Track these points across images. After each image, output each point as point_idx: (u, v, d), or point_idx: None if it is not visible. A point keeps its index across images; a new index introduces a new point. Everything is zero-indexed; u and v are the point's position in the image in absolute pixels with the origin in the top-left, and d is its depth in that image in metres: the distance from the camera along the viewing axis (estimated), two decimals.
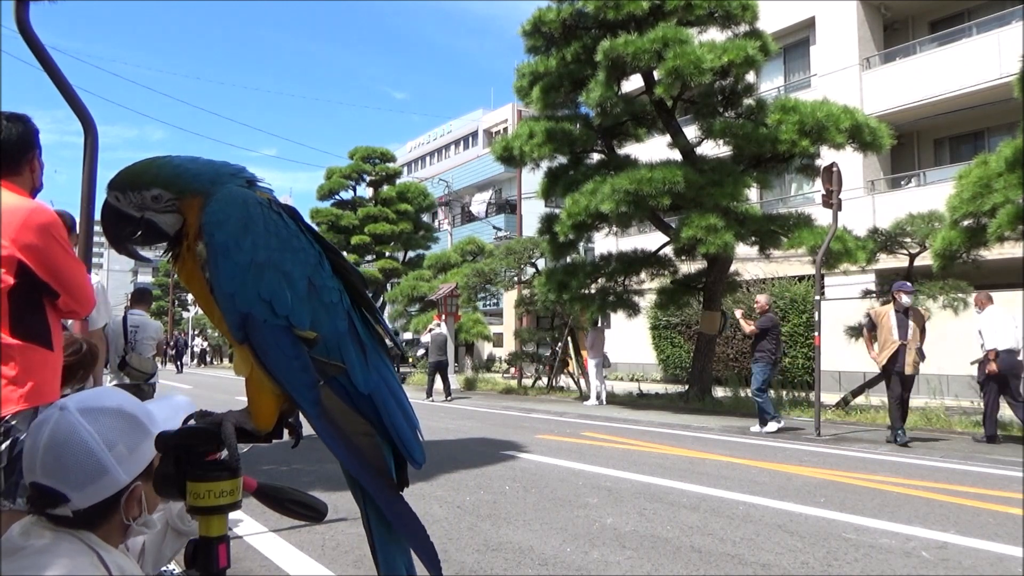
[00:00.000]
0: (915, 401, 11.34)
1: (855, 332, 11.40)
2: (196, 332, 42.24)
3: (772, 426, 9.22)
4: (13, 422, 1.96)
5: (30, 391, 2.00)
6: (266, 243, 1.10)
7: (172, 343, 32.43)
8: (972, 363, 8.73)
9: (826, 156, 11.98)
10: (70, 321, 2.86)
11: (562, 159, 14.02)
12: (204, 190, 1.12)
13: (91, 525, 1.16)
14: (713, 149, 13.01)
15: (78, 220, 3.76)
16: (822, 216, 12.02)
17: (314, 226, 1.34)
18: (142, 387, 5.67)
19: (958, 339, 10.93)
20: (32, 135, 2.17)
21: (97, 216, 1.53)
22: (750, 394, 10.02)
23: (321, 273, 1.15)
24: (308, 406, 1.09)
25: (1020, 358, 8.25)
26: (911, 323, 8.32)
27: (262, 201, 1.14)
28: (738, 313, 10.21)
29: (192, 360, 37.89)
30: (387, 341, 1.25)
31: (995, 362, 8.15)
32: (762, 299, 9.79)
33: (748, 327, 9.71)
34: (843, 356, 13.78)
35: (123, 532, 1.21)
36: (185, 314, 45.13)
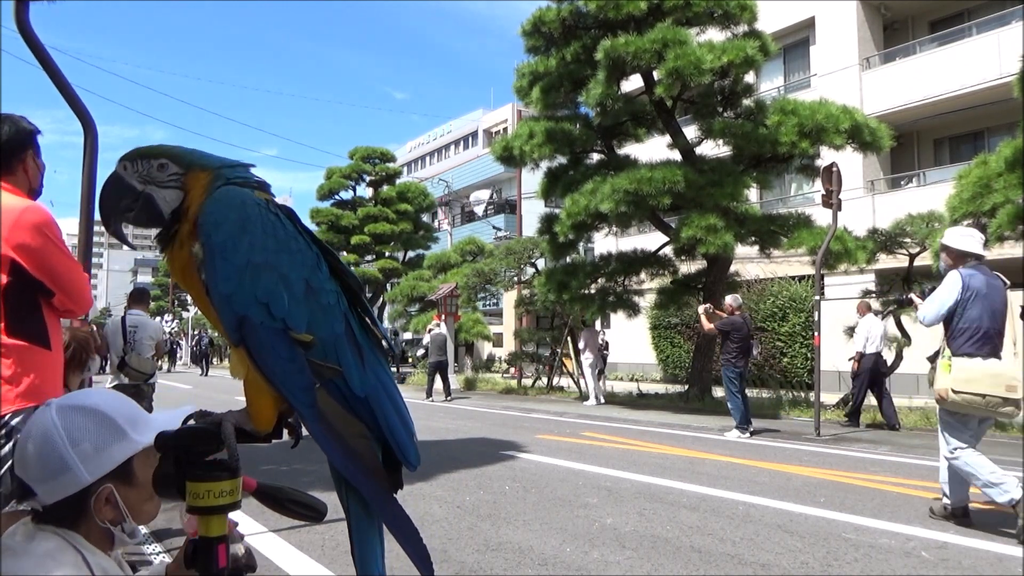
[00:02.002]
0: (915, 401, 11.38)
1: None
2: (195, 332, 41.95)
3: (734, 434, 8.69)
4: (14, 422, 1.96)
5: (27, 390, 1.99)
6: (263, 244, 1.10)
7: (196, 343, 31.07)
8: (848, 359, 10.22)
9: (826, 156, 11.97)
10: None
11: (562, 159, 14.01)
12: (212, 167, 1.15)
13: (66, 523, 1.15)
14: (713, 149, 13.00)
15: (78, 220, 3.77)
16: (822, 216, 12.00)
17: (314, 227, 1.33)
18: (141, 387, 5.67)
19: None
20: (25, 135, 2.17)
21: (97, 216, 1.53)
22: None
23: (318, 275, 1.14)
24: (304, 408, 1.09)
25: (884, 359, 9.88)
26: None
27: (260, 202, 1.14)
28: (700, 308, 9.69)
29: (192, 359, 37.30)
30: (384, 344, 1.25)
31: (858, 361, 9.86)
32: (728, 300, 9.34)
33: (707, 325, 9.38)
34: (843, 356, 13.73)
35: (108, 538, 1.19)
36: (185, 314, 45.03)
